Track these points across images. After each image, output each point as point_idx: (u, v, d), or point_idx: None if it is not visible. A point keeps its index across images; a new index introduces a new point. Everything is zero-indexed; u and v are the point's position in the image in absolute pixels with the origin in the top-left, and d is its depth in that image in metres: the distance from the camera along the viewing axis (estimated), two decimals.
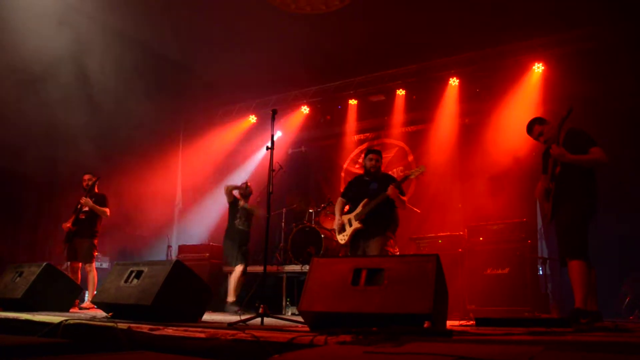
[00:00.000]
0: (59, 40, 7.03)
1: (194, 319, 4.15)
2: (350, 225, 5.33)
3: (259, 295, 6.39)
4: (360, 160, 5.86)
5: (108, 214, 6.88)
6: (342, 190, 9.28)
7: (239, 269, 6.79)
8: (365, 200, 5.28)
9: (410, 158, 9.01)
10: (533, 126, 4.60)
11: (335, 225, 5.52)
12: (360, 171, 5.70)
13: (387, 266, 3.07)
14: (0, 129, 6.58)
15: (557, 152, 4.21)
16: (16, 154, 7.08)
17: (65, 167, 7.83)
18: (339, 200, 5.63)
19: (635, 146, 6.53)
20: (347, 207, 5.55)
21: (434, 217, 8.33)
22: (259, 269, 7.75)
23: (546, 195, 4.51)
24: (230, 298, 6.77)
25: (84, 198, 6.74)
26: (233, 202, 7.05)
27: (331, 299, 3.07)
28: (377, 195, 5.23)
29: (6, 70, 6.66)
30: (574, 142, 4.27)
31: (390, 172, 7.46)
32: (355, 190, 5.52)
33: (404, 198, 5.34)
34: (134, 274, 4.18)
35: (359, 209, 5.30)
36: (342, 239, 5.41)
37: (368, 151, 5.60)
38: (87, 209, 6.81)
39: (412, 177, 5.32)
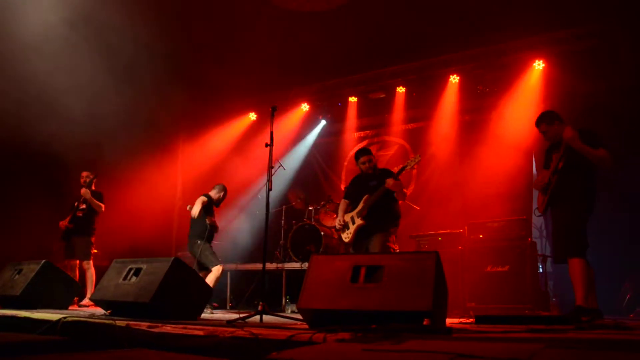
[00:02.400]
0: (57, 39, 7.01)
1: (193, 316, 4.14)
2: (353, 222, 5.34)
3: (258, 292, 6.40)
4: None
5: (103, 208, 6.89)
6: (342, 188, 9.34)
7: (220, 269, 6.43)
8: (366, 196, 5.28)
9: (411, 156, 8.98)
10: (541, 123, 4.60)
11: (337, 224, 5.52)
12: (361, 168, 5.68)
13: (386, 263, 3.06)
14: None
15: (571, 134, 4.19)
16: (13, 152, 7.07)
17: (63, 165, 7.81)
18: (342, 201, 5.65)
19: (637, 144, 6.51)
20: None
21: (433, 215, 8.31)
22: (258, 266, 7.75)
23: (544, 189, 4.51)
24: None
25: (84, 189, 6.75)
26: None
27: (330, 297, 3.06)
28: (376, 190, 5.23)
29: None
30: (586, 140, 4.26)
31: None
32: (356, 189, 5.53)
33: (405, 190, 5.36)
34: (132, 272, 4.17)
35: (360, 206, 5.31)
36: (346, 237, 5.42)
37: (357, 155, 5.52)
38: (84, 206, 6.81)
39: (409, 167, 5.30)
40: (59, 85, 7.10)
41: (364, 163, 5.41)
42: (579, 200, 4.24)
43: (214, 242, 8.09)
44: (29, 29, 6.86)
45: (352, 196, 5.52)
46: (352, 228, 5.34)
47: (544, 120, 4.60)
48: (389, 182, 5.10)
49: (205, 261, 6.47)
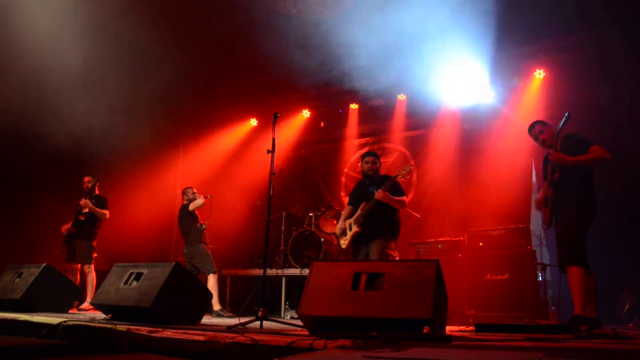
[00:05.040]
0: (61, 45, 7.06)
1: (193, 321, 4.15)
2: (350, 229, 5.35)
3: (258, 298, 6.42)
4: (360, 165, 5.92)
5: (107, 216, 6.89)
6: (342, 194, 9.36)
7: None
8: (363, 203, 5.29)
9: (411, 163, 9.01)
10: (535, 125, 4.62)
11: (337, 230, 5.54)
12: (360, 176, 5.69)
13: (387, 271, 3.07)
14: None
15: (557, 157, 4.22)
16: (17, 156, 7.09)
17: (65, 169, 7.83)
18: (346, 207, 5.66)
19: (636, 152, 6.53)
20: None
21: (433, 222, 8.33)
22: (258, 272, 7.76)
23: (545, 202, 4.51)
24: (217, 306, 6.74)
25: (83, 200, 6.74)
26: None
27: (331, 303, 3.07)
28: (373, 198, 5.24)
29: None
30: (573, 146, 4.27)
31: None
32: (356, 195, 5.54)
33: (402, 198, 5.32)
34: (133, 276, 4.18)
35: (357, 213, 5.32)
36: (343, 243, 5.43)
37: (365, 154, 5.61)
38: (86, 210, 6.82)
39: (400, 177, 5.30)
40: (64, 89, 7.14)
41: (367, 162, 5.45)
42: (577, 208, 4.24)
43: (214, 247, 8.16)
44: (36, 31, 6.91)
45: (354, 202, 5.53)
46: (348, 235, 5.35)
47: (538, 122, 4.62)
48: (378, 193, 5.10)
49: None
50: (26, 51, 6.86)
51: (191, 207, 6.86)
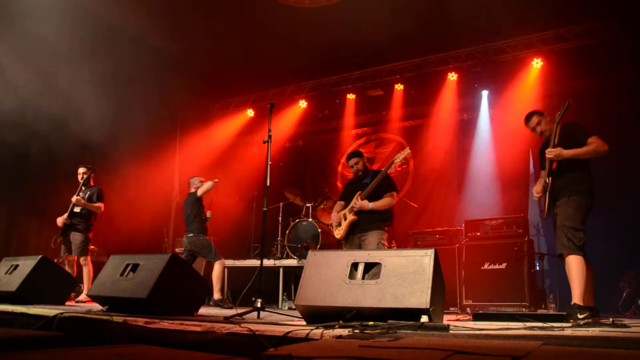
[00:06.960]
0: (56, 35, 7.00)
1: (190, 312, 4.14)
2: (345, 219, 5.34)
3: (255, 289, 6.41)
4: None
5: (102, 209, 6.83)
6: (339, 184, 9.35)
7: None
8: (359, 192, 5.28)
9: (407, 147, 9.00)
10: (532, 117, 4.60)
11: (332, 220, 5.53)
12: None
13: (384, 260, 3.06)
14: None
15: (554, 154, 4.20)
16: (13, 147, 7.04)
17: (61, 160, 7.79)
18: (337, 203, 5.64)
19: (634, 141, 6.52)
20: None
21: (431, 212, 8.33)
22: (256, 263, 7.75)
23: (543, 191, 4.50)
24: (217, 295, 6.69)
25: (74, 197, 6.67)
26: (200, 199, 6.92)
27: (328, 293, 3.06)
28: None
29: None
30: (570, 136, 4.26)
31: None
32: (350, 189, 5.53)
33: (388, 199, 5.25)
34: (130, 267, 4.17)
35: (353, 202, 5.30)
36: (338, 233, 5.43)
37: (348, 156, 5.55)
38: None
39: (397, 161, 5.28)
40: (61, 80, 7.08)
41: (352, 166, 5.48)
42: (576, 197, 4.23)
43: (211, 238, 8.15)
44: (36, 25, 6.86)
45: (346, 196, 5.53)
46: (344, 224, 5.34)
47: (534, 113, 4.61)
48: (363, 204, 5.09)
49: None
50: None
51: (200, 192, 6.73)
